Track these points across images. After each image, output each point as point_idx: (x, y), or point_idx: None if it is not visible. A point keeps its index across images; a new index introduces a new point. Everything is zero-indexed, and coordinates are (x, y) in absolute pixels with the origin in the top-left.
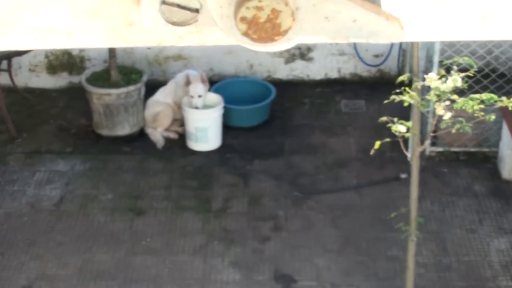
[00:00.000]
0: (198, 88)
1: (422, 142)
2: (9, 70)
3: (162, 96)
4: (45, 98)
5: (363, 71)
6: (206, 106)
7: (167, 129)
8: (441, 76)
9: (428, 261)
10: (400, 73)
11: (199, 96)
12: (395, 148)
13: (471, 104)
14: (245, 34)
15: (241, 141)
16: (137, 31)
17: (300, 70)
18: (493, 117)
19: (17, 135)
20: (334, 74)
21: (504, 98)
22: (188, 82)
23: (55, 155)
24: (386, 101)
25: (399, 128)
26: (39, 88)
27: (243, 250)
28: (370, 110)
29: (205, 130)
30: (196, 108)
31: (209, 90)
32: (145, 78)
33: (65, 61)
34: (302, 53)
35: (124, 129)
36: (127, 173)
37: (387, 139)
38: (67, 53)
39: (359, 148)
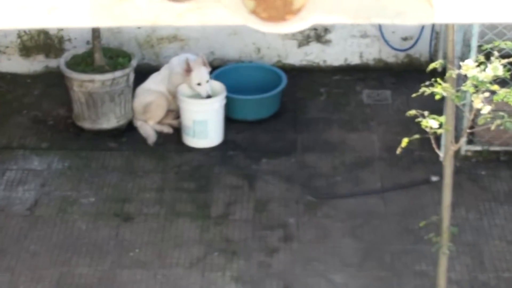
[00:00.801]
0: (203, 72)
1: (456, 139)
2: None
3: (155, 83)
4: (17, 84)
5: (389, 56)
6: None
7: (159, 122)
8: (480, 63)
9: (462, 278)
10: (432, 59)
11: (207, 81)
12: (425, 146)
13: None
14: (253, 12)
15: (246, 136)
16: (128, 8)
17: (315, 54)
18: None
19: None
20: (355, 60)
21: None
22: (188, 69)
23: (29, 151)
24: (414, 95)
25: (430, 123)
26: (10, 73)
27: (247, 264)
28: (397, 102)
29: (204, 124)
30: (208, 96)
31: (210, 77)
32: (134, 62)
33: (41, 42)
34: (318, 34)
35: (110, 122)
36: (113, 172)
37: (416, 136)
38: (43, 32)
39: (384, 146)
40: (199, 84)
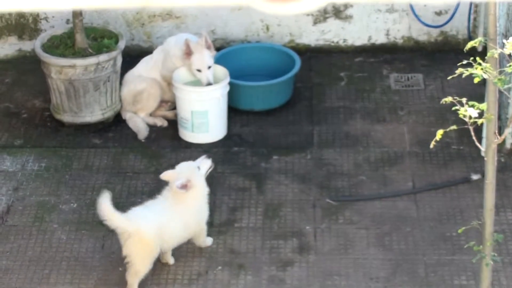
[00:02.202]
0: (206, 57)
1: (500, 131)
2: None
3: (146, 69)
4: None
5: (420, 34)
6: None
7: (152, 114)
8: None
9: None
10: (471, 37)
11: (209, 68)
12: (464, 139)
13: None
14: None
15: (253, 130)
16: None
17: (334, 32)
18: None
19: None
20: (380, 38)
21: None
22: (189, 51)
23: (0, 149)
24: (450, 77)
25: (469, 112)
26: None
27: (256, 279)
28: (430, 87)
29: (205, 115)
30: (209, 84)
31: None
32: (122, 44)
33: (13, 21)
34: (337, 9)
35: (94, 114)
36: (98, 173)
37: (453, 127)
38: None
39: (415, 139)
40: (199, 70)
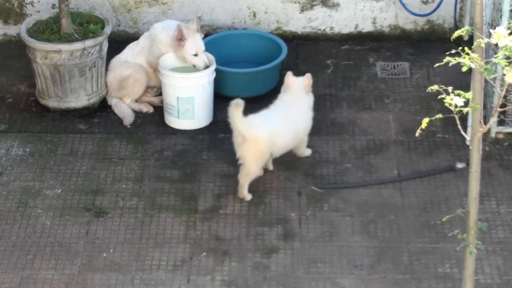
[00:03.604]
0: (200, 40)
1: (485, 120)
2: None
3: (132, 54)
4: None
5: (406, 22)
6: (192, 69)
7: (138, 100)
8: None
9: (492, 282)
10: (457, 26)
11: (203, 52)
12: (449, 128)
13: None
14: None
15: None
16: None
17: (321, 20)
18: None
19: None
20: (367, 27)
21: None
22: (181, 37)
23: None
24: (437, 64)
25: (454, 100)
26: None
27: (240, 266)
28: (416, 76)
29: (191, 101)
30: (207, 67)
31: None
32: (108, 29)
33: None
34: None
35: (79, 100)
36: (83, 159)
37: (438, 116)
38: None
39: (401, 127)
40: (195, 55)
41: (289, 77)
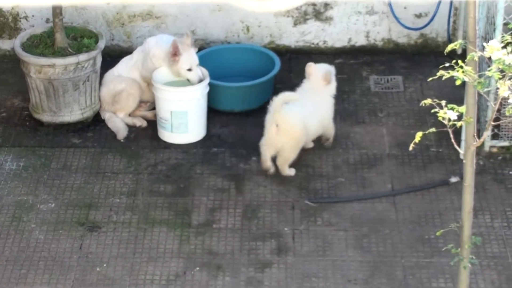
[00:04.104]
0: (194, 55)
1: (479, 133)
2: None
3: (126, 69)
4: None
5: (400, 36)
6: (185, 83)
7: (131, 114)
8: (507, 44)
9: None
10: (451, 39)
11: (197, 66)
12: (443, 142)
13: None
14: None
15: (232, 130)
16: None
17: (314, 34)
18: None
19: None
20: (360, 40)
21: None
22: (176, 52)
23: None
24: (431, 78)
25: (448, 114)
26: None
27: (234, 280)
28: (410, 89)
29: (184, 116)
30: (201, 81)
31: None
32: (102, 44)
33: None
34: (317, 10)
35: (73, 114)
36: (77, 173)
37: (432, 130)
38: None
39: (394, 141)
40: (189, 69)
41: (310, 66)
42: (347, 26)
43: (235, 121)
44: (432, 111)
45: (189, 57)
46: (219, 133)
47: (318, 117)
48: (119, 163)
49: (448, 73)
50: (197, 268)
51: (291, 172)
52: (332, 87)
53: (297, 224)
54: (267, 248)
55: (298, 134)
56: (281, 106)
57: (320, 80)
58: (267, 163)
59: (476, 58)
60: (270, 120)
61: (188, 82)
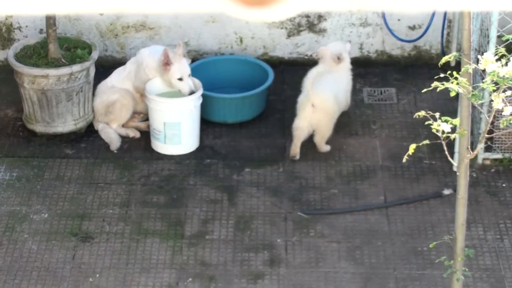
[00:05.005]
0: (185, 65)
1: (473, 146)
2: None
3: (119, 79)
4: None
5: (393, 48)
6: (178, 94)
7: (124, 125)
8: (501, 57)
9: None
10: (444, 52)
11: (189, 75)
12: (436, 154)
13: None
14: None
15: (225, 142)
16: None
17: (307, 46)
18: None
19: None
20: (354, 52)
21: None
22: (168, 62)
23: None
24: (424, 90)
25: (441, 126)
26: None
27: None
28: (403, 101)
29: (177, 127)
30: (192, 93)
31: None
32: (95, 54)
33: None
34: (311, 22)
35: (66, 125)
36: (70, 184)
37: (426, 142)
38: None
39: (387, 153)
40: (180, 79)
41: (321, 49)
42: (341, 38)
43: (228, 133)
44: (426, 123)
45: (181, 66)
46: (212, 145)
47: (343, 92)
48: (112, 174)
49: (443, 84)
50: (190, 279)
51: (328, 147)
52: (346, 63)
53: (290, 236)
54: (260, 259)
55: (333, 110)
56: (313, 86)
57: (331, 61)
58: (298, 149)
59: (470, 71)
60: (305, 101)
61: (182, 93)
